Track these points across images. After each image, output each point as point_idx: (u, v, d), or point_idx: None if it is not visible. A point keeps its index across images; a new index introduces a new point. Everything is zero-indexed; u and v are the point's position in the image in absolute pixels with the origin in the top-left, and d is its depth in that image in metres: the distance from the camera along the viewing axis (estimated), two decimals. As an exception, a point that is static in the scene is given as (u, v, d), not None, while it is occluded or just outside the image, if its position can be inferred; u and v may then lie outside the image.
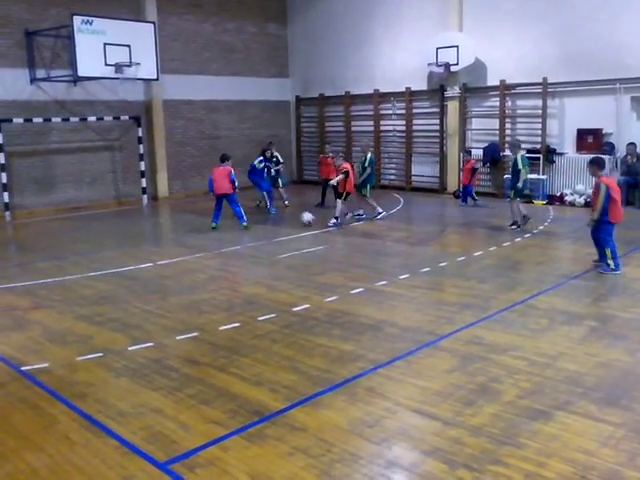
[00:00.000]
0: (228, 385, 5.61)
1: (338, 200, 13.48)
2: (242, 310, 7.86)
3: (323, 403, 5.21)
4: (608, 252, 9.06)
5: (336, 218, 13.31)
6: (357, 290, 8.57)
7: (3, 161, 15.62)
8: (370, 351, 6.34)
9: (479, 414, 4.92)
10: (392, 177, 20.42)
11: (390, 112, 20.09)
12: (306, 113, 22.59)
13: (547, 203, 16.13)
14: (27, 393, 5.63)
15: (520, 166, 12.38)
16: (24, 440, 4.79)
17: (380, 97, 20.08)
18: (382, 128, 20.31)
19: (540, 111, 16.52)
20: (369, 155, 14.58)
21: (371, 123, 20.40)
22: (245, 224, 13.27)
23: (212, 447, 4.54)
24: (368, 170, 14.28)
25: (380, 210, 14.49)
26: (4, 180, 15.70)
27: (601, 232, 9.11)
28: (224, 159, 13.51)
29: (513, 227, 12.64)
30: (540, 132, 16.59)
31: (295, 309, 7.80)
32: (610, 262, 9.06)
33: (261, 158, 16.03)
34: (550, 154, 16.50)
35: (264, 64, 21.79)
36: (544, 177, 16.50)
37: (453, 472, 4.14)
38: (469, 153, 17.07)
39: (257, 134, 21.66)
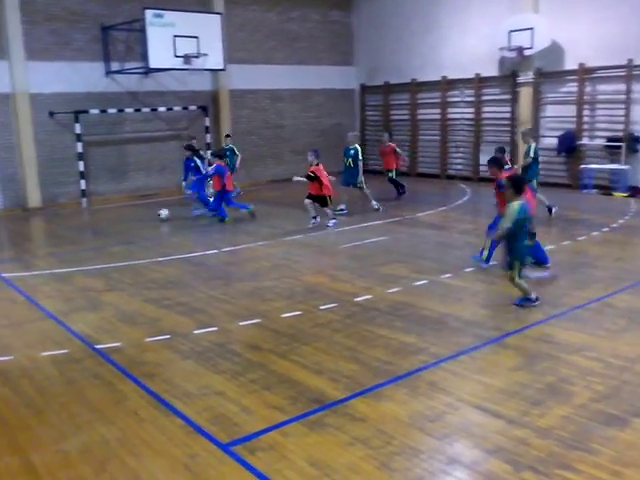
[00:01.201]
0: (289, 372, 5.71)
1: (326, 209, 12.51)
2: (304, 299, 7.95)
3: (384, 395, 5.23)
4: (489, 242, 8.91)
5: (333, 218, 12.60)
6: (421, 282, 8.52)
7: (80, 150, 16.23)
8: (433, 344, 6.31)
9: (547, 415, 4.81)
10: (459, 167, 20.08)
11: (458, 99, 19.69)
12: (371, 101, 22.46)
13: (629, 195, 15.26)
14: (100, 370, 5.91)
15: (532, 154, 12.27)
16: (97, 413, 5.06)
17: (448, 84, 19.71)
18: (449, 116, 19.96)
19: (623, 96, 15.67)
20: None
21: (438, 111, 20.08)
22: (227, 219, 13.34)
23: (273, 432, 4.65)
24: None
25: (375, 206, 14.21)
26: (81, 168, 16.33)
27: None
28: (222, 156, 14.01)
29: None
30: (623, 119, 15.78)
31: (357, 299, 7.83)
32: (486, 252, 9.03)
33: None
34: (634, 142, 15.61)
35: (328, 52, 21.77)
36: (626, 167, 15.62)
37: (517, 473, 4.06)
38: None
39: (321, 123, 21.74)
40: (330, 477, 4.08)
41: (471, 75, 18.90)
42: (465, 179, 19.27)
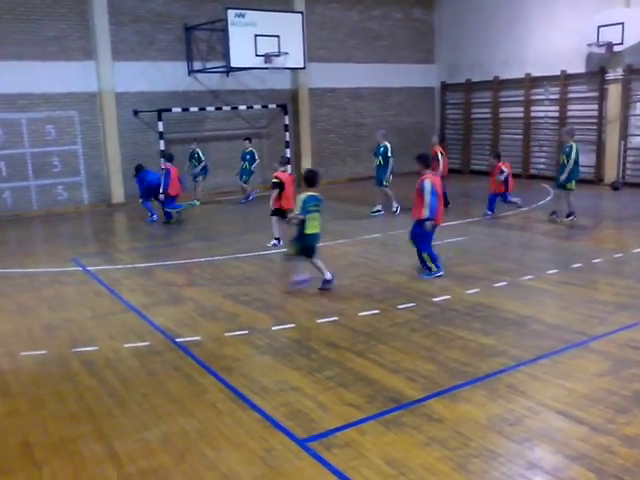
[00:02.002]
0: (366, 370, 5.69)
1: (273, 217, 10.97)
2: (382, 297, 7.90)
3: (462, 396, 5.14)
4: (426, 256, 8.74)
5: (277, 239, 10.97)
6: (501, 283, 8.32)
7: (162, 148, 16.70)
8: (513, 347, 6.15)
9: (634, 423, 4.61)
10: (542, 166, 19.50)
11: (542, 97, 19.14)
12: (451, 100, 22.12)
13: None
14: (181, 363, 6.06)
15: (573, 156, 11.95)
16: (177, 405, 5.18)
17: (532, 81, 19.18)
18: (532, 115, 19.42)
19: None
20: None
21: (521, 109, 19.57)
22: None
23: (349, 429, 4.64)
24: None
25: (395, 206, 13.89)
26: (163, 166, 16.77)
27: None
28: (171, 158, 13.95)
29: (570, 217, 12.20)
30: None
31: (435, 299, 7.72)
32: (431, 265, 8.70)
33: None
34: None
35: (409, 50, 21.58)
36: None
37: (601, 481, 3.91)
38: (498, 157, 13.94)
39: (400, 121, 21.58)
40: (406, 476, 4.04)
41: (557, 72, 18.31)
42: (548, 179, 18.65)
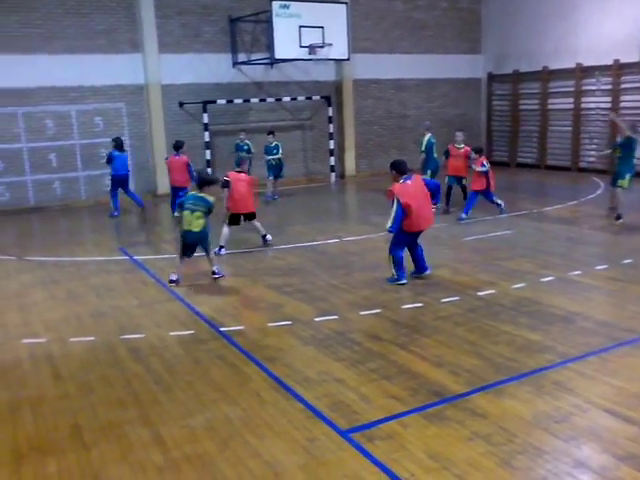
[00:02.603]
0: (409, 363, 5.66)
1: (225, 227, 10.13)
2: (425, 291, 7.84)
3: (506, 392, 5.07)
4: (390, 257, 8.21)
5: (221, 247, 9.99)
6: (547, 278, 8.16)
7: (207, 139, 16.89)
8: (560, 343, 6.03)
9: (684, 423, 4.48)
10: (592, 159, 19.02)
11: (594, 88, 18.59)
12: (498, 91, 21.74)
13: None
14: (225, 352, 6.13)
15: (423, 147, 12.52)
16: (221, 393, 5.25)
17: (582, 71, 18.66)
18: (583, 106, 18.92)
19: None
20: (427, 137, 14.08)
21: (570, 100, 19.06)
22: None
23: (391, 422, 4.63)
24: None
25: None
26: (208, 157, 16.98)
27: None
28: (178, 147, 13.12)
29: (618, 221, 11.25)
30: None
31: (480, 293, 7.62)
32: (392, 271, 8.16)
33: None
34: None
35: (455, 40, 21.27)
36: None
37: (651, 482, 3.82)
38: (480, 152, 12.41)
39: (445, 113, 21.31)
40: (449, 470, 4.01)
41: (609, 61, 17.75)
42: (599, 172, 18.19)
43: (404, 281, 8.08)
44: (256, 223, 10.47)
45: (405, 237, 8.11)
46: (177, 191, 12.82)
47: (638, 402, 4.82)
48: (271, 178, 15.64)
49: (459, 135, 13.13)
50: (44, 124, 15.39)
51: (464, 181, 12.99)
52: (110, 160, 13.86)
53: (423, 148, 13.99)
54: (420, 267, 8.38)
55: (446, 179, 12.93)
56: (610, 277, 8.18)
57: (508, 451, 4.20)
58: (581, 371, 5.42)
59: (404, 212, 7.82)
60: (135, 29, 16.02)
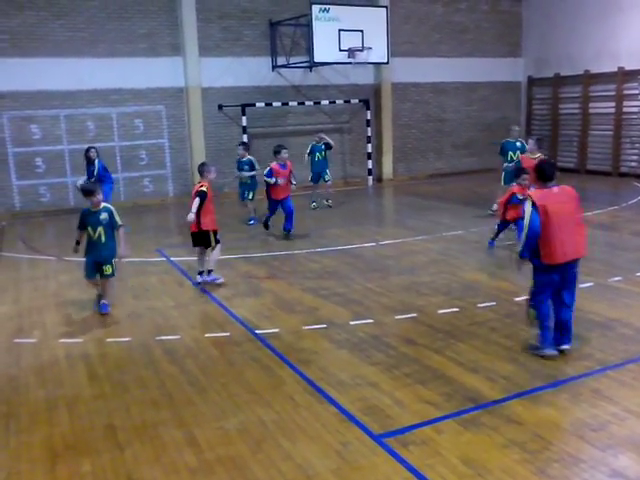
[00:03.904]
0: (444, 368, 5.63)
1: (209, 256, 8.69)
2: (461, 295, 7.78)
3: (543, 399, 5.00)
4: None
5: (205, 273, 8.65)
6: (587, 284, 8.00)
7: (246, 142, 16.99)
8: (598, 351, 5.93)
9: None
10: (634, 164, 18.64)
11: (636, 92, 18.24)
12: (538, 94, 21.43)
13: None
14: (259, 354, 6.17)
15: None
16: (255, 395, 5.29)
17: (625, 75, 18.29)
18: (625, 110, 18.54)
19: None
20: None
21: (612, 104, 18.71)
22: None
23: (426, 427, 4.61)
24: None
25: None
26: (245, 159, 17.10)
27: None
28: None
29: None
30: None
31: (517, 299, 7.51)
32: None
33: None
34: None
35: (495, 44, 21.04)
36: None
37: (689, 493, 3.73)
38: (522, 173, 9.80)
39: (484, 117, 21.12)
40: (484, 478, 3.97)
41: (652, 65, 17.41)
42: (638, 177, 17.83)
43: (549, 351, 5.79)
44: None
45: (546, 276, 5.73)
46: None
47: (678, 412, 4.71)
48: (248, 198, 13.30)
49: (532, 143, 11.39)
50: (85, 126, 15.66)
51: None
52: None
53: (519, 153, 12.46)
54: (558, 336, 5.86)
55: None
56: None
57: (544, 459, 4.15)
58: (620, 379, 5.32)
59: (537, 228, 5.56)
60: (176, 33, 16.24)
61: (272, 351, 6.22)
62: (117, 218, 7.53)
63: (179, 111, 16.63)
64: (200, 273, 8.67)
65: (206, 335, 6.74)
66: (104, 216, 7.42)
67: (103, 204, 7.52)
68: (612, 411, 4.77)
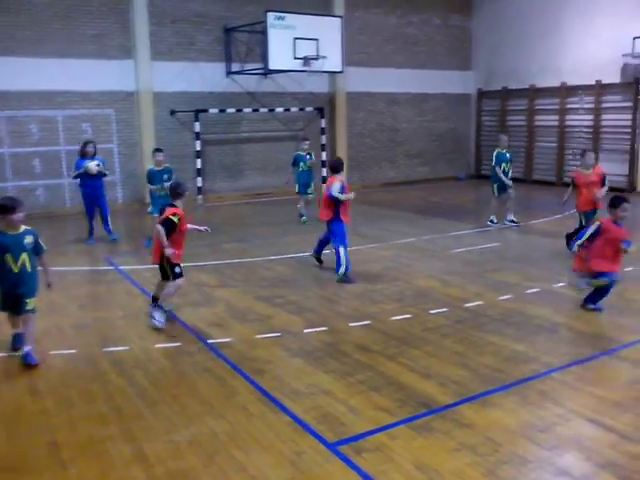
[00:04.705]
0: (397, 374, 5.69)
1: (165, 291, 7.34)
2: (414, 302, 7.88)
3: (492, 402, 5.12)
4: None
5: (158, 307, 7.28)
6: (533, 290, 8.25)
7: (198, 148, 16.89)
8: (544, 354, 6.11)
9: (665, 432, 4.56)
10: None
11: (577, 106, 18.93)
12: (487, 107, 21.94)
13: None
14: (211, 364, 6.10)
15: None
16: (207, 406, 5.21)
17: (567, 90, 18.99)
18: (567, 123, 19.21)
19: None
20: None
21: (556, 117, 19.40)
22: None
23: (379, 433, 4.64)
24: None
25: None
26: (198, 166, 16.98)
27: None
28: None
29: None
30: None
31: (467, 305, 7.68)
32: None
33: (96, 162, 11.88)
34: None
35: (447, 57, 21.48)
36: None
37: (631, 490, 3.89)
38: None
39: (436, 127, 21.53)
40: (436, 483, 4.03)
41: (592, 82, 18.19)
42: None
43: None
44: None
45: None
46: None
47: (618, 411, 4.91)
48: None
49: (592, 157, 10.39)
50: (28, 129, 15.18)
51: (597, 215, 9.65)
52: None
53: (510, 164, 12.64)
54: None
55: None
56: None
57: (494, 461, 4.24)
58: (564, 381, 5.51)
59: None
60: (127, 35, 15.99)
61: (225, 361, 6.16)
62: (41, 242, 6.29)
63: (130, 115, 16.38)
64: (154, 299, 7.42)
65: (156, 346, 6.61)
66: (29, 240, 6.08)
67: (23, 226, 6.12)
68: (558, 412, 4.92)
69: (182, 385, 5.65)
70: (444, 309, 7.54)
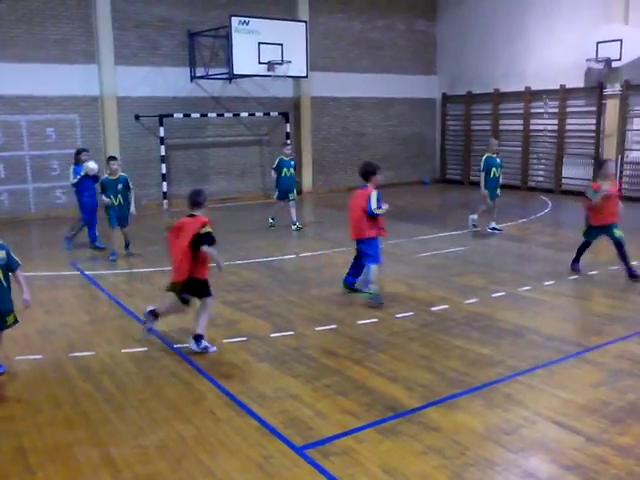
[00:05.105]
0: (364, 378, 5.70)
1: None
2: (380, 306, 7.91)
3: (459, 405, 5.16)
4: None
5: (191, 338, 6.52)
6: (498, 294, 8.35)
7: (163, 153, 16.76)
8: (510, 357, 6.18)
9: (627, 433, 4.66)
10: (540, 179, 19.61)
11: (542, 111, 19.24)
12: (452, 111, 22.21)
13: None
14: (178, 369, 6.06)
15: None
16: (175, 411, 5.18)
17: (531, 95, 19.29)
18: (532, 127, 19.52)
19: None
20: None
21: (520, 122, 19.68)
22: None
23: (347, 437, 4.65)
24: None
25: None
26: (163, 171, 16.85)
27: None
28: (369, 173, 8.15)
29: None
30: None
31: (433, 309, 7.75)
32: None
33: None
34: None
35: (412, 61, 21.69)
36: None
37: (595, 491, 3.95)
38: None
39: (401, 132, 21.71)
40: (403, 486, 4.05)
41: (556, 86, 18.45)
42: (546, 191, 18.78)
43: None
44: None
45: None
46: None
47: (584, 413, 4.98)
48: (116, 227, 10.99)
49: (610, 166, 9.55)
50: (-9, 134, 14.98)
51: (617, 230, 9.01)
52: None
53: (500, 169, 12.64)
54: None
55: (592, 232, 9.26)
56: (557, 292, 8.42)
57: (460, 464, 4.27)
58: (530, 384, 5.57)
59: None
60: (90, 40, 15.80)
61: (192, 365, 6.12)
62: (15, 256, 5.85)
63: (94, 120, 16.18)
64: (152, 313, 6.78)
65: (123, 351, 6.55)
66: (1, 255, 5.69)
67: None
68: (523, 415, 4.97)
69: (149, 390, 5.60)
70: (410, 313, 7.59)
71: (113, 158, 11.10)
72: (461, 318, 7.39)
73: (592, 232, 9.15)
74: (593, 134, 17.89)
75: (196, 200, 6.54)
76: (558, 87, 18.39)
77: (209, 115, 17.50)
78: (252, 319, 7.51)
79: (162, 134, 16.64)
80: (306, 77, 17.48)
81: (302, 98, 19.25)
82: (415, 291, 8.58)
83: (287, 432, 4.74)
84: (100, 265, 10.37)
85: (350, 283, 8.53)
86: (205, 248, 6.23)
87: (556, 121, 18.76)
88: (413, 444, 4.54)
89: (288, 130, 18.76)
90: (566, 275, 9.22)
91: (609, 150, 17.50)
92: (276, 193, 13.50)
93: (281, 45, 16.03)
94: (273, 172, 13.42)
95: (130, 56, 16.41)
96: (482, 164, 12.74)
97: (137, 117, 16.66)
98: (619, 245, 8.89)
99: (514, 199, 17.71)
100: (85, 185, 11.51)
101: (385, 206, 7.92)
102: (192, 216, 6.44)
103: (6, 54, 14.81)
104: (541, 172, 19.63)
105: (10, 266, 5.80)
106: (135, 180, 16.41)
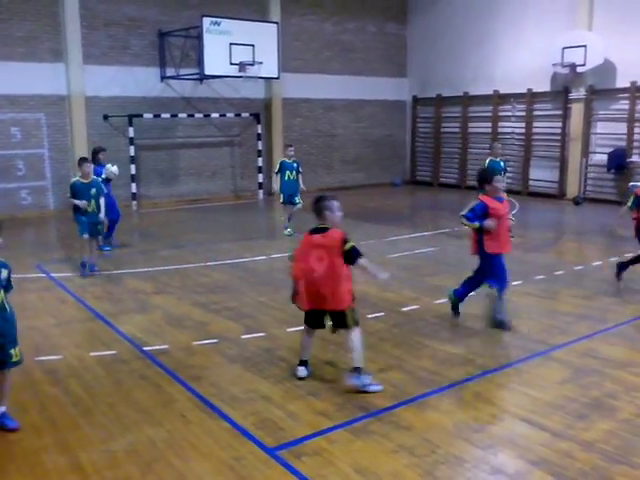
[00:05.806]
0: (336, 379, 5.71)
1: None
2: (351, 307, 7.93)
3: (429, 404, 5.20)
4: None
5: (351, 371, 5.55)
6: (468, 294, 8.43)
7: (132, 154, 16.59)
8: (479, 356, 6.26)
9: (592, 429, 4.76)
10: (509, 181, 19.78)
11: (509, 114, 19.56)
12: (422, 113, 22.40)
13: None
14: (148, 372, 5.99)
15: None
16: (145, 414, 5.12)
17: (499, 98, 19.60)
18: (500, 130, 19.80)
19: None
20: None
21: (489, 125, 19.95)
22: None
23: (318, 437, 4.66)
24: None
25: None
26: (132, 172, 16.67)
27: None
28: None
29: None
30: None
31: (404, 309, 7.80)
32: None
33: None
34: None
35: (382, 64, 21.83)
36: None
37: (562, 486, 4.03)
38: None
39: (371, 134, 21.82)
40: (375, 485, 4.07)
41: (523, 90, 18.80)
42: (514, 193, 18.97)
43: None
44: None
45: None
46: None
47: (550, 410, 5.07)
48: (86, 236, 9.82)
49: None
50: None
51: None
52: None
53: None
54: None
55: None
56: (524, 292, 8.55)
57: (431, 462, 4.31)
58: (498, 382, 5.67)
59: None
60: (58, 38, 15.58)
61: (162, 368, 6.06)
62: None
63: (61, 120, 15.95)
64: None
65: (91, 354, 6.45)
66: (4, 274, 4.94)
67: None
68: (492, 412, 5.06)
69: (118, 393, 5.53)
70: (381, 313, 7.63)
71: (85, 160, 10.07)
72: (432, 318, 7.46)
73: None
74: (559, 137, 18.25)
75: (321, 206, 5.83)
76: (525, 91, 18.72)
77: (179, 116, 17.39)
78: (223, 321, 7.47)
79: (131, 134, 16.47)
80: (277, 78, 17.46)
81: (273, 99, 19.23)
82: (386, 292, 8.61)
83: (259, 433, 4.72)
84: (67, 267, 10.21)
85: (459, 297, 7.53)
86: (361, 261, 5.66)
87: (524, 124, 19.08)
88: (384, 443, 4.57)
89: (259, 131, 18.73)
90: (532, 275, 9.36)
91: (574, 153, 17.89)
92: (281, 198, 12.86)
93: (252, 46, 16.01)
94: (275, 175, 13.07)
95: (99, 55, 16.22)
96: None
97: (106, 117, 16.48)
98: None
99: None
100: (106, 186, 10.83)
101: (492, 223, 7.00)
102: (319, 231, 5.76)
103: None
104: (509, 174, 19.84)
105: (6, 288, 5.06)
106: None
